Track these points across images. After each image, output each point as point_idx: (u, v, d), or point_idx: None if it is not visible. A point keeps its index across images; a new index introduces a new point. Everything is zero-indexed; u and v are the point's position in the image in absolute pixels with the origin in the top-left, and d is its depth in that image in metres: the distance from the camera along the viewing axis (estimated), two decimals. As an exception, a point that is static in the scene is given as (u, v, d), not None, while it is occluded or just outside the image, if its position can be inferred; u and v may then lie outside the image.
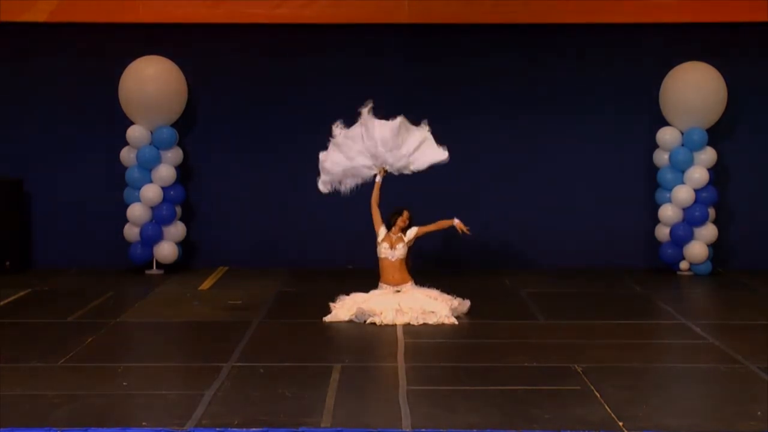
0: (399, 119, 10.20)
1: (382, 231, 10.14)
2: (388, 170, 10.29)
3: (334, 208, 12.88)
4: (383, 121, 10.18)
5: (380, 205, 10.20)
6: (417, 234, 10.17)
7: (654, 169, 12.79)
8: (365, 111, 10.17)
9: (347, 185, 10.39)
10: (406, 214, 10.13)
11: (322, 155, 10.37)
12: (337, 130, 10.28)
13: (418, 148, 10.27)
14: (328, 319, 9.79)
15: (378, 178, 10.23)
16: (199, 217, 13.11)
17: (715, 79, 12.47)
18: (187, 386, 7.45)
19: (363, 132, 10.17)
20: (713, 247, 12.58)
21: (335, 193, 10.44)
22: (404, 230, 10.15)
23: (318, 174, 10.40)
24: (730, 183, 12.97)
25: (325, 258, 12.94)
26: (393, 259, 10.07)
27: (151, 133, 12.48)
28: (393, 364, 8.15)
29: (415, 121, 12.87)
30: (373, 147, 10.18)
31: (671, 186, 12.55)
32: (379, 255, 10.14)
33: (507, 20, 12.69)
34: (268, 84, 13.07)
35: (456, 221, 10.28)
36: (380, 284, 10.12)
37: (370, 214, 10.21)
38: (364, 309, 9.69)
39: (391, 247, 10.07)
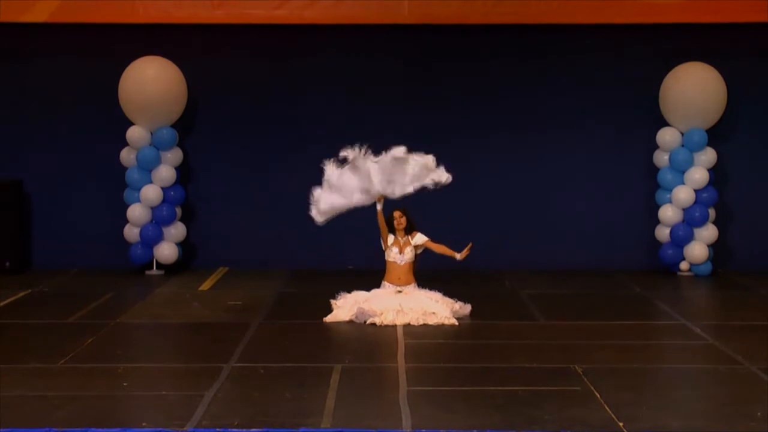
0: (392, 154, 9.94)
1: (390, 237, 10.13)
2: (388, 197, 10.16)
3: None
4: (377, 161, 9.95)
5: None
6: (425, 244, 10.14)
7: (654, 170, 12.79)
8: (356, 155, 9.88)
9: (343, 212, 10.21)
10: (396, 214, 10.07)
11: (315, 194, 10.04)
12: (330, 169, 10.02)
13: (418, 176, 10.05)
14: (328, 319, 9.79)
15: (378, 207, 10.07)
16: (199, 218, 13.11)
17: (715, 80, 12.48)
18: (187, 387, 7.45)
19: (357, 174, 9.97)
20: (713, 247, 12.58)
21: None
22: (409, 230, 10.14)
23: (315, 190, 10.14)
24: (731, 183, 12.97)
25: (325, 258, 12.93)
26: (401, 263, 10.08)
27: (151, 133, 12.48)
28: (393, 365, 8.16)
29: (417, 123, 12.97)
30: (370, 186, 10.01)
31: (671, 186, 12.55)
32: (387, 258, 10.13)
33: (507, 21, 12.69)
34: (268, 84, 13.08)
35: (459, 257, 10.15)
36: (384, 282, 10.12)
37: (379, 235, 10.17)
38: (364, 309, 9.70)
39: (401, 252, 10.07)
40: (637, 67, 12.98)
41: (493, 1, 12.62)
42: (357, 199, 10.08)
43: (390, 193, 10.06)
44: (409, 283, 10.08)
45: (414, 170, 10.04)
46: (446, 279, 10.75)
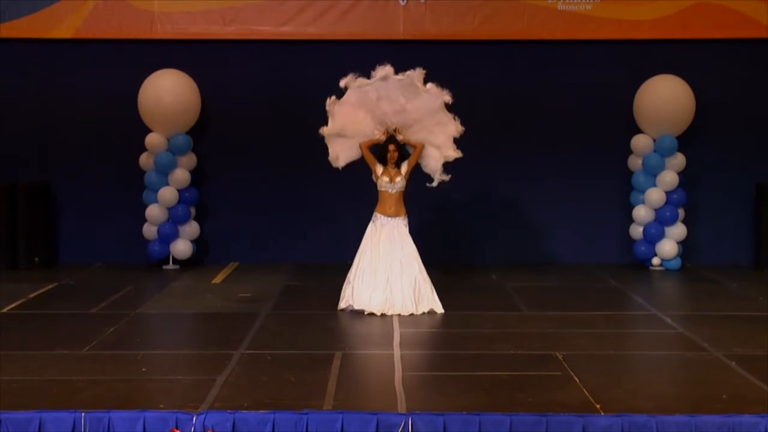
0: (377, 76, 9.83)
1: (379, 167, 9.86)
2: (394, 134, 9.86)
3: (335, 207, 12.91)
4: (369, 83, 9.85)
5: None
6: (409, 167, 9.86)
7: (628, 173, 12.80)
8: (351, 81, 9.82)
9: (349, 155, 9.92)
10: (392, 147, 9.81)
11: (329, 103, 9.93)
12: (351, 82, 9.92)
13: (409, 92, 9.80)
14: (342, 305, 9.76)
15: (379, 136, 9.87)
16: (211, 217, 13.11)
17: (685, 91, 12.48)
18: (200, 372, 7.46)
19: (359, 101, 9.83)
20: (682, 244, 12.59)
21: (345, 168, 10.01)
22: (398, 164, 9.86)
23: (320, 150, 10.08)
24: (698, 185, 12.98)
25: (329, 254, 12.91)
26: (393, 192, 9.81)
27: (168, 140, 12.48)
28: (389, 352, 8.16)
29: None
30: (373, 107, 9.84)
31: (644, 188, 12.56)
32: (379, 188, 9.86)
33: (494, 36, 12.73)
34: (274, 95, 13.06)
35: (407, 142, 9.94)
36: (375, 213, 9.88)
37: (363, 156, 9.93)
38: (353, 306, 9.68)
39: (391, 181, 9.80)
40: (613, 79, 12.98)
41: (481, 18, 12.67)
42: (368, 121, 9.86)
43: (391, 118, 9.83)
44: (398, 215, 9.81)
45: (404, 86, 9.82)
46: (436, 272, 10.72)
